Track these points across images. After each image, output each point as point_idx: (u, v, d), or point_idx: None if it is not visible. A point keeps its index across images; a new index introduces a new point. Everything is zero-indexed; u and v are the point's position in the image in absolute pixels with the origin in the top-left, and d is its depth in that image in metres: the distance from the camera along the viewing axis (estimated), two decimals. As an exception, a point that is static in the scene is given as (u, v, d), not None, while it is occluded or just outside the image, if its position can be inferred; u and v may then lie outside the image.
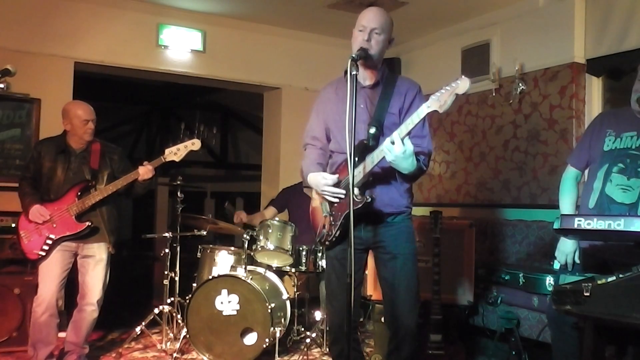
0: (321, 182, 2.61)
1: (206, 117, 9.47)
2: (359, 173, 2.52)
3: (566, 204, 2.99)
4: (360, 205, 2.46)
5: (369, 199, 2.49)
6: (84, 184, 3.57)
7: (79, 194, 3.54)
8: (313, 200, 2.85)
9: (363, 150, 2.54)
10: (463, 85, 2.29)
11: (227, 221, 4.74)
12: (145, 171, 3.57)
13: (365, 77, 2.68)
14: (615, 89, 4.40)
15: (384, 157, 2.45)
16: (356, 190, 2.49)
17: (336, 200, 2.61)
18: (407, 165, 2.45)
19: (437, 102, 2.33)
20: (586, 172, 2.98)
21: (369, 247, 2.75)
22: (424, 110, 2.37)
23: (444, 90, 2.32)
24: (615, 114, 2.98)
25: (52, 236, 3.50)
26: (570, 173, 3.02)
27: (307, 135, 2.88)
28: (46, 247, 3.50)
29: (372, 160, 2.51)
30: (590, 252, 2.80)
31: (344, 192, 2.56)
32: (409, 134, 2.41)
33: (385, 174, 2.60)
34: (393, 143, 2.38)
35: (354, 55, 2.40)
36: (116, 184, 3.56)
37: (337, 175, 2.60)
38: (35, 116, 4.58)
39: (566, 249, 2.90)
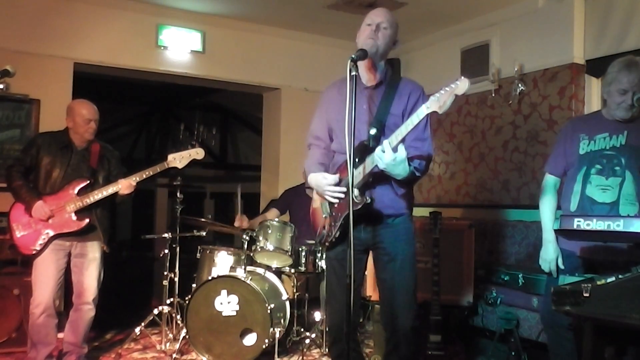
0: (322, 181, 2.62)
1: (206, 118, 9.48)
2: (359, 174, 2.52)
3: (546, 211, 3.03)
4: (359, 206, 2.46)
5: (369, 200, 2.49)
6: (82, 182, 3.56)
7: (77, 191, 3.54)
8: (314, 201, 2.85)
9: (363, 151, 2.54)
10: (462, 86, 2.30)
11: (231, 220, 4.72)
12: (126, 186, 3.56)
13: (369, 78, 2.68)
14: (614, 90, 4.40)
15: None
16: (356, 191, 2.49)
17: (336, 200, 2.61)
18: (399, 171, 2.47)
19: (437, 102, 2.33)
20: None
21: (369, 248, 2.74)
22: (423, 111, 2.37)
23: (444, 91, 2.32)
24: (584, 119, 3.13)
25: (49, 232, 3.48)
26: (549, 181, 3.07)
27: (311, 135, 2.89)
28: (42, 242, 3.48)
29: (372, 161, 2.51)
30: (588, 253, 2.80)
31: (344, 189, 2.56)
32: (403, 139, 2.42)
33: (386, 176, 2.59)
34: (384, 152, 2.39)
35: (353, 56, 2.39)
36: (108, 187, 3.56)
37: (337, 175, 2.60)
38: (35, 117, 4.58)
39: (548, 257, 2.95)
